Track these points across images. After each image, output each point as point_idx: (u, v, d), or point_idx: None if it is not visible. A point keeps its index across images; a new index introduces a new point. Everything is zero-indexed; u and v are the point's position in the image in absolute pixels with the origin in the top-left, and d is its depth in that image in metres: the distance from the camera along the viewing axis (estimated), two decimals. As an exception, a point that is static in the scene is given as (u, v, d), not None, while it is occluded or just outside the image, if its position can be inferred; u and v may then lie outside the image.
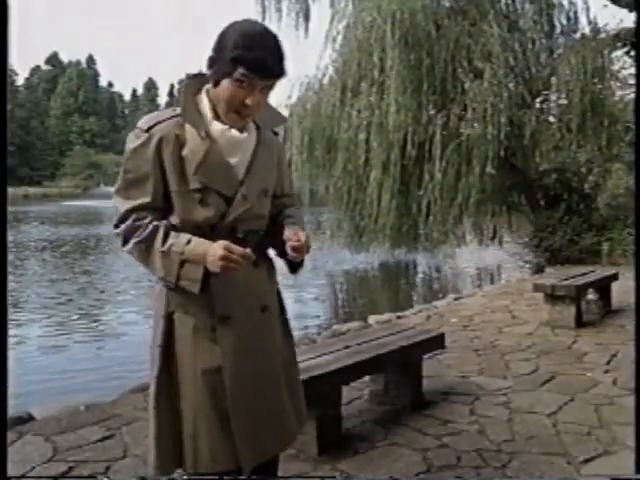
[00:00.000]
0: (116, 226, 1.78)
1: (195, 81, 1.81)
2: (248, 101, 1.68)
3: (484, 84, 10.28)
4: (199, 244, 1.69)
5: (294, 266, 1.95)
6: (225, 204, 1.78)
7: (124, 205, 1.76)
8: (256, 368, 1.82)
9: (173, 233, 1.73)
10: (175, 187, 1.75)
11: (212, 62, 1.71)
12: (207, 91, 1.78)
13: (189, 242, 1.70)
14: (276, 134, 2.02)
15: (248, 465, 1.79)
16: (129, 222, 1.74)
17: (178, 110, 1.77)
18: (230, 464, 1.76)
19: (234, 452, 1.76)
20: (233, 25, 1.69)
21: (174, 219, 1.77)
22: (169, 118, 1.76)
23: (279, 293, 2.02)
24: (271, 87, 1.73)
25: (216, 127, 1.76)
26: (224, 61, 1.65)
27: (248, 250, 1.67)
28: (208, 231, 1.75)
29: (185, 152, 1.73)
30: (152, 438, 1.78)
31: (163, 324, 1.79)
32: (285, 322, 2.03)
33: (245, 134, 1.80)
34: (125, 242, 1.76)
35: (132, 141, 1.76)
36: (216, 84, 1.71)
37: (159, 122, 1.75)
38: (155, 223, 1.74)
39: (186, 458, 1.77)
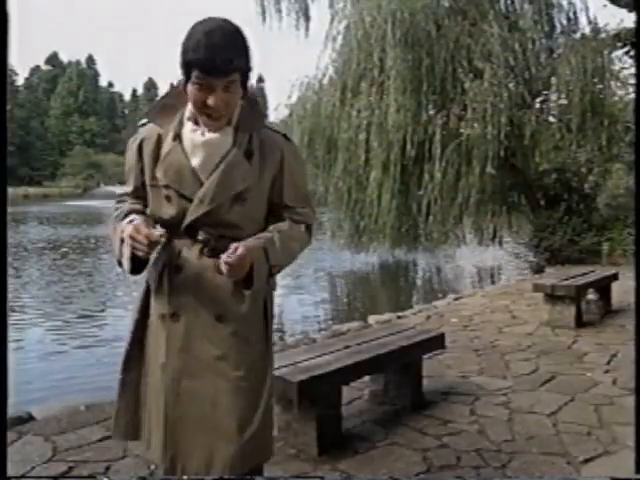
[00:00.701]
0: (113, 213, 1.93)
1: (180, 88, 1.79)
2: (209, 101, 1.67)
3: (484, 84, 10.28)
4: (134, 225, 1.71)
5: (243, 283, 1.76)
6: (188, 205, 1.78)
7: (118, 192, 1.97)
8: (196, 375, 1.77)
9: (132, 215, 1.80)
10: (149, 181, 1.84)
11: (180, 68, 1.72)
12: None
13: (131, 222, 1.74)
14: (289, 140, 1.92)
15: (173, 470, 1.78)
16: (113, 207, 1.92)
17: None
18: (162, 461, 1.79)
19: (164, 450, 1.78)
20: (191, 27, 1.69)
21: (148, 211, 1.86)
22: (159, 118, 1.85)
23: (266, 309, 1.91)
24: (235, 83, 1.69)
25: (187, 128, 1.78)
26: (183, 66, 1.67)
27: (159, 231, 1.67)
28: (172, 229, 1.76)
29: (161, 151, 1.81)
30: (115, 406, 1.90)
31: (140, 305, 1.89)
32: (264, 342, 1.89)
33: (208, 136, 1.76)
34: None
35: (132, 137, 1.91)
36: (185, 89, 1.73)
37: (149, 122, 1.86)
38: (124, 206, 1.87)
39: (142, 434, 1.87)
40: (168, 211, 1.80)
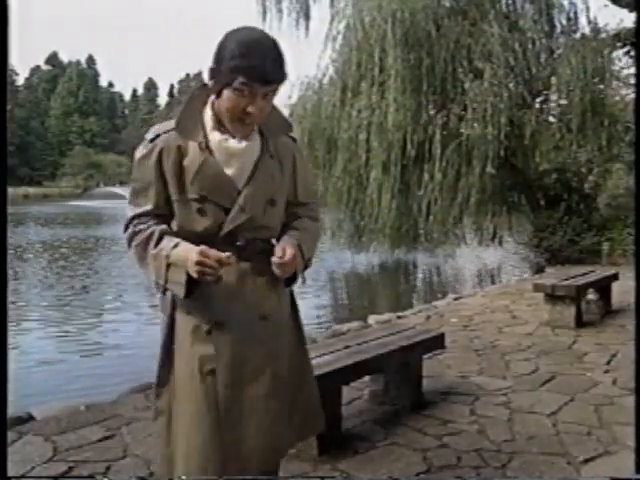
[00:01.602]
0: (124, 231, 1.84)
1: (201, 92, 1.82)
2: (250, 109, 1.69)
3: (484, 84, 10.28)
4: (184, 248, 1.71)
5: (287, 280, 1.90)
6: (224, 214, 1.79)
7: (131, 212, 1.83)
8: (250, 378, 1.80)
9: (167, 237, 1.76)
10: (176, 196, 1.78)
11: (213, 73, 1.72)
12: (212, 103, 1.79)
13: (176, 246, 1.73)
14: (294, 140, 1.99)
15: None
16: (131, 228, 1.81)
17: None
18: (216, 474, 1.75)
19: (222, 465, 1.75)
20: (230, 34, 1.70)
21: (174, 226, 1.82)
22: (173, 129, 1.79)
23: (293, 301, 2.02)
24: (274, 92, 1.73)
25: (214, 137, 1.77)
26: (224, 71, 1.66)
27: (227, 254, 1.66)
28: (208, 239, 1.74)
29: (185, 162, 1.76)
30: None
31: (166, 324, 1.84)
32: (297, 332, 2.01)
33: (244, 144, 1.78)
34: (129, 246, 1.83)
35: (139, 151, 1.82)
36: (218, 95, 1.73)
37: (164, 133, 1.80)
38: (152, 228, 1.78)
39: (177, 460, 1.78)
40: (202, 223, 1.78)
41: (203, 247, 1.67)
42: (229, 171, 1.78)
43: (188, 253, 1.67)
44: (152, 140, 1.79)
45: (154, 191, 1.79)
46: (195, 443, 1.75)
